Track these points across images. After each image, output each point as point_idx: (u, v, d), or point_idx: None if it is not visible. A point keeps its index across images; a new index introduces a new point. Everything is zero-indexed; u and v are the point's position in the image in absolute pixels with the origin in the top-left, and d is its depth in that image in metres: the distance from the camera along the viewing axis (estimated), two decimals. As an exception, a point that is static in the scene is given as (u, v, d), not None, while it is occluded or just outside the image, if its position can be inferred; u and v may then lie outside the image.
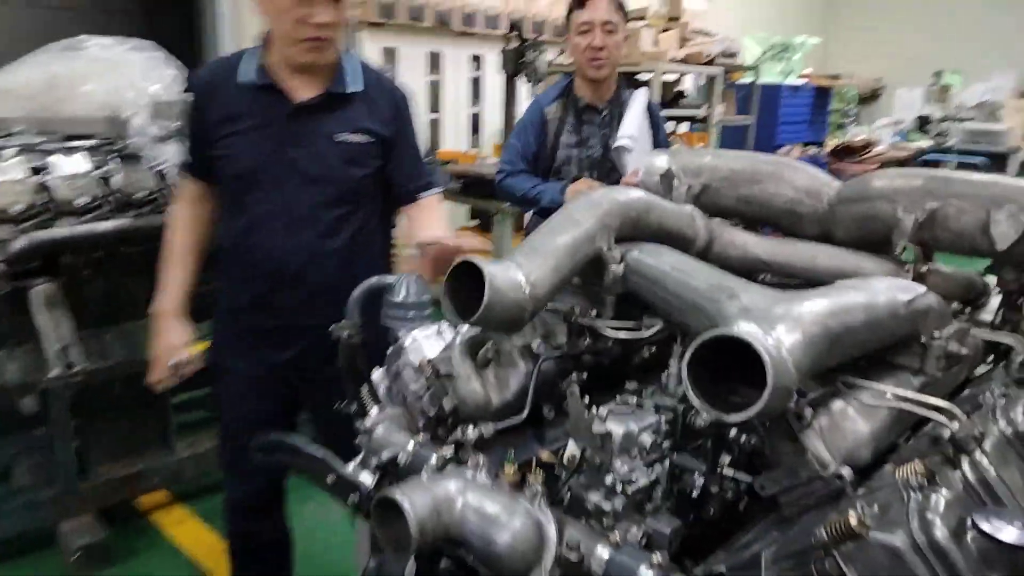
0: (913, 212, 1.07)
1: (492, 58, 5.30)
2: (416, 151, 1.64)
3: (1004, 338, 1.02)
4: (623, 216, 1.05)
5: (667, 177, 1.35)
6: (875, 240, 1.15)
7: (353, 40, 4.95)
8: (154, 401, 2.16)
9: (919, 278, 1.07)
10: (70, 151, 2.06)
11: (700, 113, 5.32)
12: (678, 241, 1.15)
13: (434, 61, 5.51)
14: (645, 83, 4.35)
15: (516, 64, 4.00)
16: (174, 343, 1.54)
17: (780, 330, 0.70)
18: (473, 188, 4.07)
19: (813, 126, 6.53)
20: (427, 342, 1.08)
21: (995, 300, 1.17)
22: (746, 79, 5.83)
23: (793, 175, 1.27)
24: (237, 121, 1.48)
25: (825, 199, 1.23)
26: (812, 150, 6.17)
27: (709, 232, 1.24)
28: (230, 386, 1.61)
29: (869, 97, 9.41)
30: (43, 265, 2.08)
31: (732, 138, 5.51)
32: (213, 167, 1.53)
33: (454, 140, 5.70)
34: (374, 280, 1.16)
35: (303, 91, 1.49)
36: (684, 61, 5.02)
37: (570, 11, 2.27)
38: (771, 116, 5.91)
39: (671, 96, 5.16)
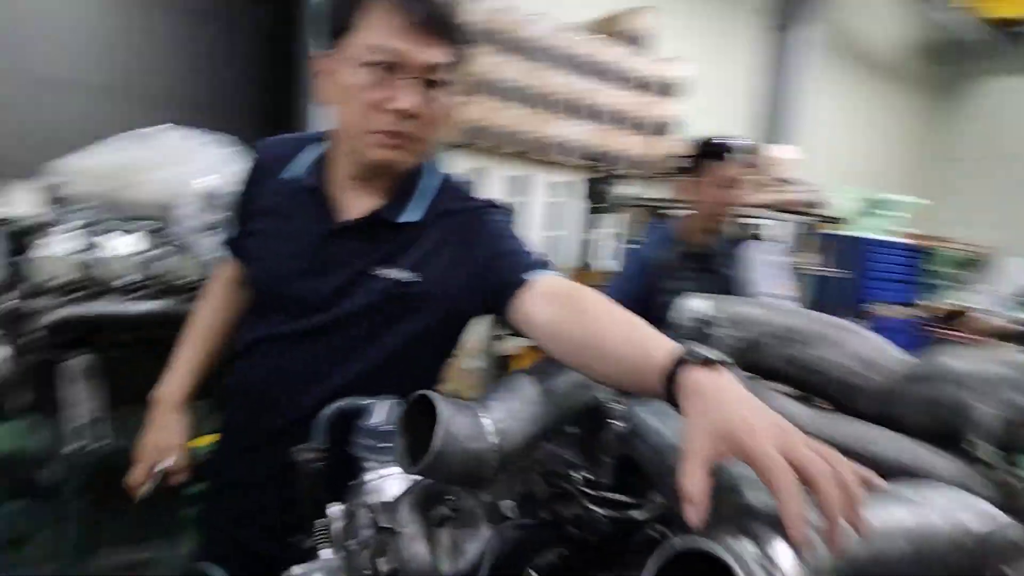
0: (994, 405, 0.87)
1: (573, 185, 5.35)
2: (514, 244, 1.18)
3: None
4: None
5: (705, 324, 1.20)
6: (946, 432, 0.94)
7: (438, 160, 5.11)
8: (168, 489, 2.08)
9: (1002, 489, 0.86)
10: (124, 232, 2.09)
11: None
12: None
13: (516, 184, 5.61)
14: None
15: (597, 194, 3.98)
16: (164, 443, 1.33)
17: (779, 550, 0.52)
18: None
19: (906, 286, 6.19)
20: (391, 480, 0.93)
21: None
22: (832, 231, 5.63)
23: (853, 341, 1.08)
24: (271, 219, 1.23)
25: (888, 374, 1.03)
26: (902, 311, 5.82)
27: (745, 393, 1.06)
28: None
29: (971, 262, 8.96)
30: (78, 339, 2.07)
31: (815, 288, 5.25)
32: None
33: (529, 262, 5.70)
34: (347, 401, 1.02)
35: (354, 207, 1.18)
36: (763, 207, 4.90)
37: (702, 156, 2.20)
38: (858, 270, 5.64)
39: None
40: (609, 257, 5.45)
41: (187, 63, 8.10)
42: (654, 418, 0.85)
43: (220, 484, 1.34)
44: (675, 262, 2.24)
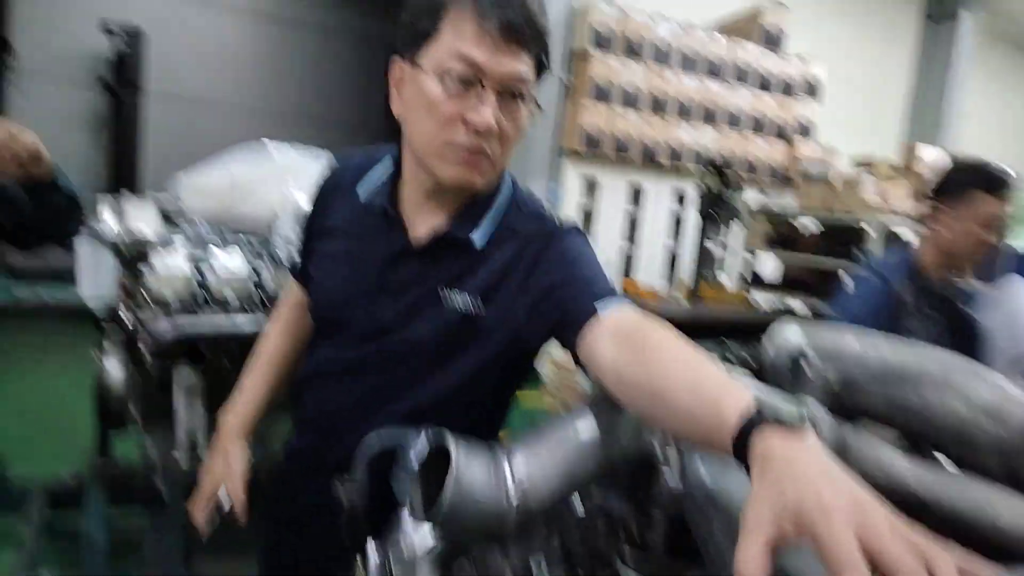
0: None
1: (694, 194, 5.15)
2: (583, 271, 1.07)
3: None
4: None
5: (797, 358, 1.05)
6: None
7: (556, 167, 5.06)
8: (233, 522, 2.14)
9: None
10: (233, 248, 2.17)
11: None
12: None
13: (636, 193, 5.46)
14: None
15: (710, 203, 3.78)
16: (222, 472, 1.26)
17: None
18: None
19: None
20: (425, 525, 0.87)
21: None
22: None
23: (969, 384, 0.91)
24: (338, 239, 1.18)
25: (1015, 425, 0.86)
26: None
27: (839, 442, 0.92)
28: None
29: None
30: (188, 353, 2.17)
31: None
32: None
33: (647, 274, 5.52)
34: (391, 433, 0.96)
35: (423, 226, 1.12)
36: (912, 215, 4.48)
37: (971, 184, 1.95)
38: (1024, 286, 5.04)
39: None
40: (728, 270, 5.19)
41: (324, 83, 8.53)
42: (709, 475, 0.74)
43: (277, 508, 1.33)
44: (915, 299, 1.97)
